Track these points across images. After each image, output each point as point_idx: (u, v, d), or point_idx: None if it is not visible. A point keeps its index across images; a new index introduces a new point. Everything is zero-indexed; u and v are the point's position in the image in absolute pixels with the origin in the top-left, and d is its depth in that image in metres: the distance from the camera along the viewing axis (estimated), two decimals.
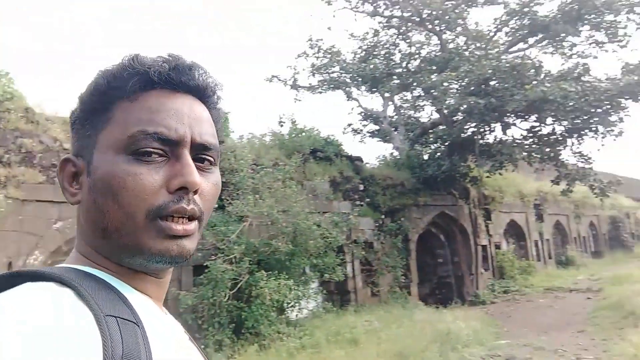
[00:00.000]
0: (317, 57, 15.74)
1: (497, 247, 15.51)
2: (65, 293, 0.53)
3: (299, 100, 16.52)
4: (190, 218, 0.65)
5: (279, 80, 16.17)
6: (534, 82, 11.64)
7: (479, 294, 13.19)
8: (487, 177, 14.07)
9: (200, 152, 0.67)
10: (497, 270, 14.98)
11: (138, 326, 0.56)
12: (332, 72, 15.57)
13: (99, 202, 0.64)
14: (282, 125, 12.64)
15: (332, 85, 15.70)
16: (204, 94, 0.71)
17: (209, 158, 0.69)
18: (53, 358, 0.46)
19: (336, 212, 10.20)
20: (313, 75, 15.88)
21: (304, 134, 12.15)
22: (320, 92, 16.11)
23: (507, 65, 11.93)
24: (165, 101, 0.66)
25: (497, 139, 13.30)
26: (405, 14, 14.74)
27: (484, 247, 14.63)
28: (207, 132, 0.68)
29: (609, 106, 11.78)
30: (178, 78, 0.67)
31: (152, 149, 0.63)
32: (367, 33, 15.66)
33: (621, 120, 12.10)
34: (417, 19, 14.51)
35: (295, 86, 16.14)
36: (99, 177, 0.64)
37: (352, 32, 16.55)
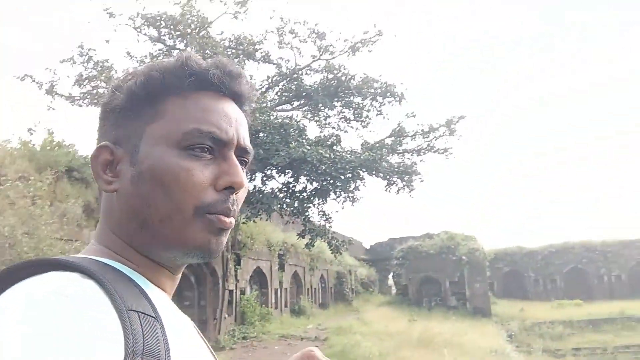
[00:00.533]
0: (86, 68, 14.29)
1: (242, 292, 15.91)
2: (89, 285, 0.54)
3: (53, 109, 14.53)
4: (232, 215, 0.68)
5: (33, 81, 14.07)
6: (297, 142, 12.75)
7: (219, 339, 13.17)
8: (244, 223, 14.52)
9: (241, 154, 0.71)
10: (239, 315, 15.28)
11: (157, 321, 0.57)
12: (100, 87, 14.26)
13: (144, 193, 0.65)
14: (32, 134, 11.04)
15: (95, 101, 14.33)
16: (244, 100, 0.74)
17: (246, 161, 0.73)
18: (76, 349, 0.46)
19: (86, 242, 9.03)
20: (79, 85, 14.28)
21: (60, 148, 10.74)
22: (80, 105, 14.54)
23: (277, 122, 12.86)
24: (216, 103, 0.69)
25: (257, 188, 13.95)
26: (188, 49, 14.67)
27: (230, 292, 14.84)
28: (247, 135, 0.73)
29: (350, 175, 13.60)
30: (229, 83, 0.71)
31: (204, 147, 0.66)
32: (146, 57, 14.98)
33: (358, 188, 14.08)
34: None
35: (51, 92, 14.21)
36: (148, 168, 0.65)
37: (130, 52, 15.56)
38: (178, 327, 0.62)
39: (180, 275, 0.74)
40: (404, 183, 14.78)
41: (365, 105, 15.79)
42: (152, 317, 0.57)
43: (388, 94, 15.53)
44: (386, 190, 14.96)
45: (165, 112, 0.67)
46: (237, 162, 0.68)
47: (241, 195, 0.70)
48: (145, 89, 0.68)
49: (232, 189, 0.67)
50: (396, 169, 14.65)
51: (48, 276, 0.54)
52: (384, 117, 16.00)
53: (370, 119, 15.93)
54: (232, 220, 0.68)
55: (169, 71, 0.68)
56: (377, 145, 15.18)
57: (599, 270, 34.41)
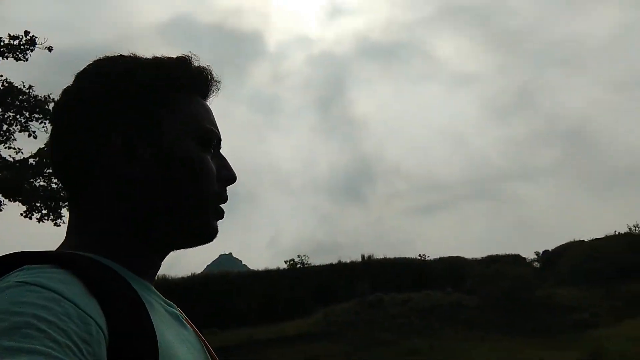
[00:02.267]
0: None
1: None
2: (64, 274, 0.54)
3: None
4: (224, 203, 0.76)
5: None
6: None
7: None
8: None
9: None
10: None
11: (141, 306, 0.58)
12: None
13: (173, 180, 0.69)
14: None
15: None
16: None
17: None
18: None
19: None
20: None
21: None
22: None
23: None
24: (206, 104, 0.78)
25: None
26: None
27: None
28: None
29: None
30: (212, 83, 0.78)
31: (211, 143, 0.74)
32: None
33: None
34: None
35: None
36: (176, 157, 0.69)
37: None
38: (162, 314, 0.66)
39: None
40: (48, 210, 13.30)
41: (7, 119, 13.67)
42: (136, 302, 0.58)
43: (37, 110, 13.86)
44: (26, 217, 13.11)
45: (179, 105, 0.73)
46: (224, 157, 0.77)
47: None
48: (157, 81, 0.71)
49: (229, 181, 0.76)
50: (41, 193, 13.07)
51: (22, 270, 0.54)
52: (29, 135, 14.13)
53: (12, 134, 13.83)
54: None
55: (176, 67, 0.73)
56: (18, 165, 13.26)
57: (231, 300, 38.15)
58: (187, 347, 0.66)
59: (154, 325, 0.57)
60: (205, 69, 0.76)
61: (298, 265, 27.53)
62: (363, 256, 27.87)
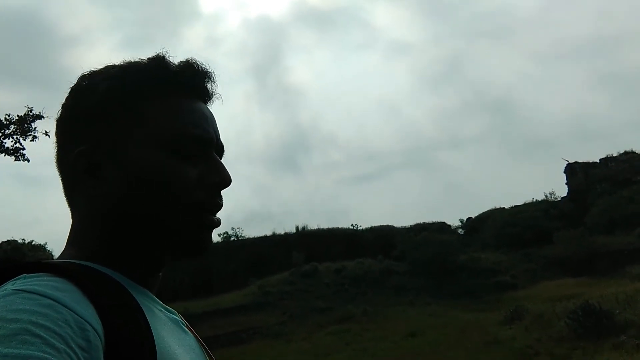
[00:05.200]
0: None
1: None
2: (62, 282, 0.54)
3: None
4: (218, 211, 0.70)
5: None
6: None
7: None
8: None
9: (218, 153, 0.72)
10: None
11: (138, 314, 0.57)
12: None
13: (138, 195, 0.65)
14: None
15: None
16: (213, 98, 0.75)
17: (221, 157, 0.74)
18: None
19: None
20: None
21: None
22: None
23: None
24: (194, 104, 0.71)
25: None
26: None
27: None
28: (219, 133, 0.74)
29: None
30: (202, 84, 0.72)
31: (191, 148, 0.67)
32: None
33: None
34: None
35: None
36: (139, 171, 0.65)
37: None
38: (162, 320, 0.65)
39: (161, 273, 0.73)
40: None
41: None
42: (133, 307, 0.57)
43: None
44: None
45: (149, 115, 0.67)
46: (219, 160, 0.70)
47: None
48: (123, 91, 0.67)
49: (219, 186, 0.69)
50: None
51: (20, 279, 0.54)
52: None
53: None
54: (219, 218, 0.70)
55: (146, 73, 0.68)
56: None
57: (165, 274, 37.44)
58: (188, 351, 0.67)
59: (153, 330, 0.58)
60: (190, 66, 0.71)
61: (232, 239, 27.34)
62: (297, 227, 28.22)
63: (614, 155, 26.29)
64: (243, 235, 27.82)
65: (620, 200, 22.14)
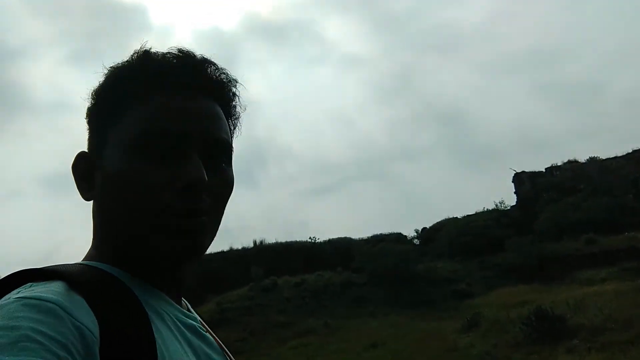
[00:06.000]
0: None
1: None
2: (64, 289, 0.54)
3: None
4: (200, 213, 0.64)
5: None
6: None
7: None
8: None
9: (210, 150, 0.66)
10: None
11: (142, 317, 0.57)
12: None
13: (108, 199, 0.65)
14: None
15: None
16: (215, 90, 0.69)
17: (221, 155, 0.68)
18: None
19: None
20: None
21: None
22: None
23: None
24: (174, 99, 0.65)
25: None
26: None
27: None
28: (218, 128, 0.67)
29: None
30: (189, 76, 0.66)
31: (159, 147, 0.63)
32: None
33: None
34: None
35: None
36: (108, 174, 0.64)
37: None
38: (174, 325, 0.63)
39: (188, 269, 0.71)
40: None
41: None
42: (135, 311, 0.57)
43: None
44: None
45: (124, 116, 0.65)
46: (196, 159, 0.63)
47: (217, 191, 0.66)
48: (104, 94, 0.67)
49: (187, 188, 0.62)
50: None
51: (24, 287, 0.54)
52: None
53: None
54: (202, 220, 0.64)
55: (124, 74, 0.66)
56: None
57: None
58: (202, 358, 0.66)
59: (157, 335, 0.57)
60: (172, 59, 0.67)
61: None
62: (255, 241, 27.89)
63: (559, 164, 27.53)
64: None
65: (566, 208, 23.12)
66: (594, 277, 16.17)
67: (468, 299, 18.01)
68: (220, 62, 0.70)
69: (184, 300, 0.74)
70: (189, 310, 0.74)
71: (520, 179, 27.89)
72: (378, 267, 21.26)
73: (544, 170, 27.81)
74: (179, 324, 0.65)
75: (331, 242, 28.52)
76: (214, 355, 0.69)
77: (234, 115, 0.74)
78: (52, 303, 0.50)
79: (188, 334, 0.66)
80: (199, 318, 0.73)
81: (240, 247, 27.60)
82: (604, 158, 26.11)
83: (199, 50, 0.69)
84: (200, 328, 0.70)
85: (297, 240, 28.70)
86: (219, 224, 0.70)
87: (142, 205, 0.62)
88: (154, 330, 0.57)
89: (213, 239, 0.69)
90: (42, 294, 0.51)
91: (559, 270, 18.20)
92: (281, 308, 19.43)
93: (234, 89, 0.73)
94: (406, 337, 13.44)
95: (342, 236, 29.43)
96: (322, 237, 29.27)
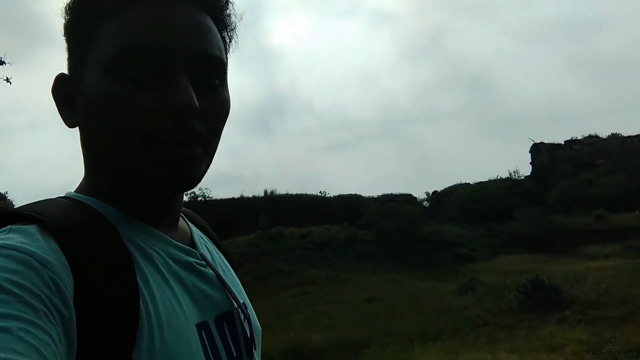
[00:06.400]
0: None
1: None
2: (50, 242, 0.51)
3: None
4: (192, 142, 0.57)
5: None
6: None
7: None
8: None
9: (200, 67, 0.58)
10: None
11: (123, 265, 0.54)
12: None
13: (91, 127, 0.59)
14: None
15: None
16: (207, 2, 0.60)
17: (213, 74, 0.60)
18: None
19: None
20: None
21: None
22: None
23: None
24: (156, 10, 0.56)
25: None
26: None
27: None
28: (208, 43, 0.59)
29: None
30: None
31: (140, 67, 0.55)
32: None
33: None
34: None
35: None
36: (88, 100, 0.58)
37: None
38: (165, 265, 0.60)
39: (179, 200, 0.67)
40: None
41: None
42: (116, 259, 0.54)
43: None
44: None
45: (101, 33, 0.57)
46: (184, 81, 0.56)
47: (211, 115, 0.60)
48: (80, 7, 0.59)
49: (176, 113, 0.55)
50: None
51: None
52: None
53: None
54: (196, 149, 0.58)
55: None
56: None
57: None
58: (197, 297, 0.62)
59: (141, 281, 0.54)
60: None
61: (199, 199, 27.16)
62: (266, 191, 28.16)
63: (579, 138, 26.98)
64: (211, 196, 27.65)
65: (581, 182, 22.81)
66: (599, 253, 16.12)
67: (470, 264, 18.14)
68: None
69: (190, 226, 0.72)
70: (192, 241, 0.70)
71: (538, 150, 27.44)
72: (384, 226, 21.42)
73: (563, 143, 27.30)
74: (171, 262, 0.61)
75: (341, 198, 28.67)
76: (210, 291, 0.65)
77: (228, 26, 0.65)
78: (25, 254, 0.47)
79: (182, 272, 0.62)
80: (199, 251, 0.68)
81: (250, 196, 27.92)
82: (626, 135, 25.49)
83: None
84: (198, 264, 0.66)
85: (308, 193, 28.91)
86: (215, 152, 0.63)
87: (126, 134, 0.56)
88: (137, 274, 0.54)
89: (208, 169, 0.63)
90: (16, 243, 0.48)
91: (566, 243, 18.15)
92: (285, 257, 19.83)
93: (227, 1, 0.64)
94: (403, 295, 13.68)
95: (353, 193, 29.56)
96: (332, 192, 29.45)
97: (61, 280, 0.48)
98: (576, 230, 19.30)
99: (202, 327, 0.60)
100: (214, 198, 27.75)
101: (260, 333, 0.74)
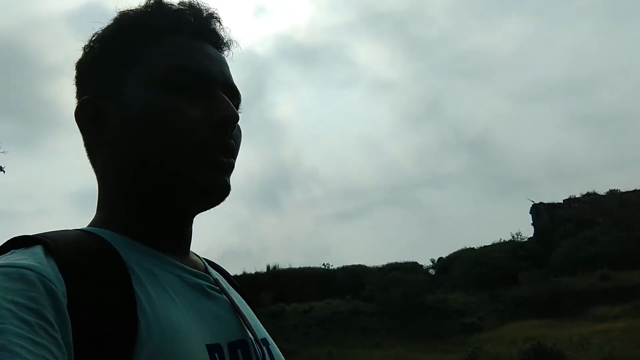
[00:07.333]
0: None
1: None
2: (48, 261, 0.51)
3: None
4: (231, 153, 0.64)
5: None
6: None
7: None
8: None
9: (228, 93, 0.66)
10: None
11: (123, 282, 0.54)
12: None
13: (140, 139, 0.61)
14: None
15: None
16: (221, 43, 0.70)
17: (236, 101, 0.68)
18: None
19: None
20: None
21: None
22: None
23: None
24: (194, 43, 0.66)
25: None
26: None
27: None
28: (231, 75, 0.69)
29: None
30: (204, 25, 0.68)
31: (191, 84, 0.63)
32: None
33: None
34: None
35: None
36: (137, 113, 0.62)
37: None
38: (171, 285, 0.59)
39: (190, 229, 0.68)
40: None
41: None
42: (116, 276, 0.54)
43: None
44: None
45: (144, 57, 0.64)
46: (226, 98, 0.64)
47: (236, 135, 0.67)
48: (120, 35, 0.66)
49: (225, 123, 0.63)
50: None
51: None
52: None
53: None
54: (232, 160, 0.65)
55: (142, 14, 0.66)
56: None
57: None
58: (206, 318, 0.61)
59: (142, 294, 0.54)
60: (190, 6, 0.67)
61: None
62: (268, 266, 27.95)
63: (577, 196, 27.00)
64: None
65: (582, 241, 22.57)
66: (607, 314, 15.68)
67: (477, 333, 17.62)
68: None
69: (201, 258, 0.73)
70: (205, 269, 0.69)
71: (538, 211, 27.40)
72: (388, 296, 21.03)
73: (562, 202, 27.29)
74: (181, 283, 0.62)
75: (345, 269, 28.36)
76: (222, 315, 0.64)
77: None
78: (24, 268, 0.49)
79: (191, 293, 0.62)
80: (213, 277, 0.68)
81: (254, 272, 27.69)
82: (623, 191, 25.51)
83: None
84: (210, 287, 0.66)
85: (311, 266, 28.65)
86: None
87: (179, 140, 0.61)
88: (137, 288, 0.55)
89: None
90: (17, 261, 0.50)
91: (573, 306, 17.70)
92: (287, 335, 19.31)
93: (232, 49, 0.73)
94: None
95: (357, 263, 29.25)
96: (337, 262, 29.16)
97: (58, 290, 0.49)
98: (582, 291, 18.89)
99: (214, 348, 0.58)
100: None
101: None
